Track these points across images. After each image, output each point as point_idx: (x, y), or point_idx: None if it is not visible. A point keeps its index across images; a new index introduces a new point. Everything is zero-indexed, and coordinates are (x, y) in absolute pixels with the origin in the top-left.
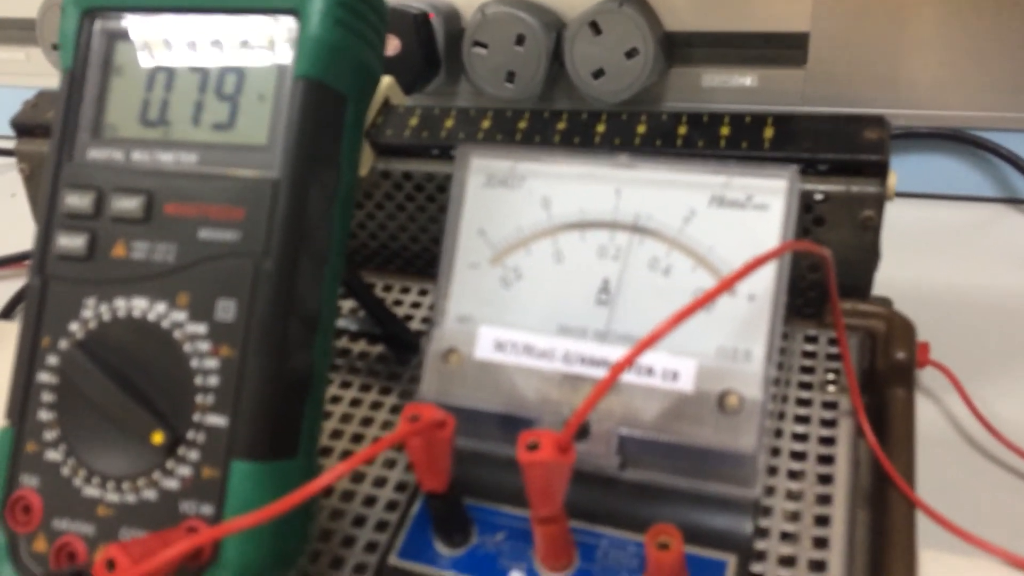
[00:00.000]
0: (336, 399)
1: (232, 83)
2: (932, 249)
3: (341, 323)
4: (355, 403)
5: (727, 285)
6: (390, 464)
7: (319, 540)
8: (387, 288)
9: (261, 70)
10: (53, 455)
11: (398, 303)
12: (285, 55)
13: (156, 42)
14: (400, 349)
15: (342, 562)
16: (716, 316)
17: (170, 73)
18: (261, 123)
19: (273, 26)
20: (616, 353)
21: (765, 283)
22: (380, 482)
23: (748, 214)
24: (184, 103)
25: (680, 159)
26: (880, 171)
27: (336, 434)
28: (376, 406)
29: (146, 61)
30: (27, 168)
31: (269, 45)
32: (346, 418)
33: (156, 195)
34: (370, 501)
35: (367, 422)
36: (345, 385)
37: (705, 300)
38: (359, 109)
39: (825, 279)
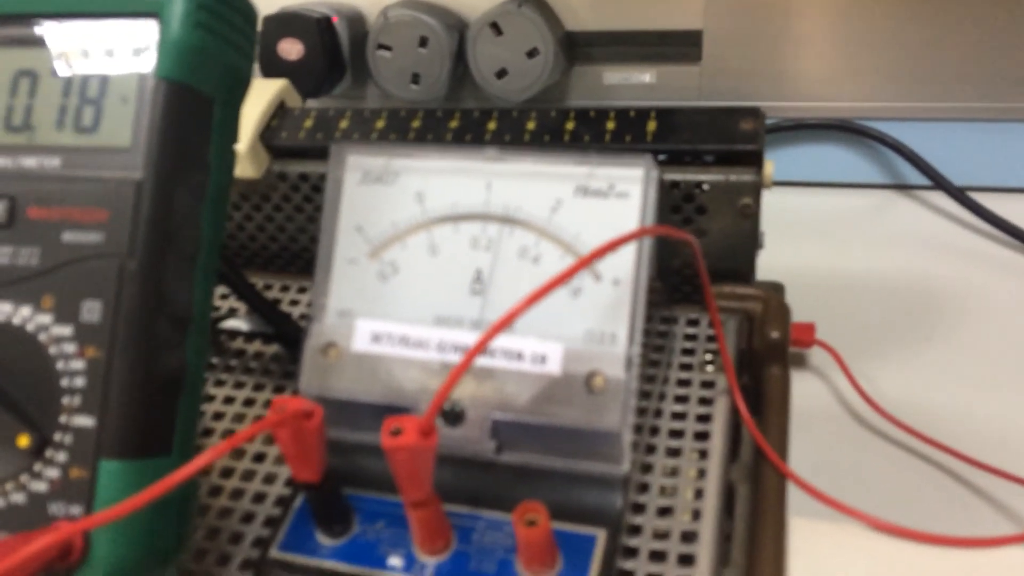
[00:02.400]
0: (229, 400)
1: (96, 87)
2: (824, 235)
3: (235, 324)
4: (248, 403)
5: (582, 265)
6: (280, 461)
7: (206, 539)
8: (284, 288)
9: (124, 73)
10: None
11: (295, 303)
12: (147, 58)
13: (19, 48)
14: (293, 347)
15: (228, 558)
16: (583, 302)
17: (33, 78)
18: (124, 125)
19: (135, 29)
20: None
21: (627, 268)
22: (270, 479)
23: (610, 202)
24: (48, 107)
25: (546, 152)
26: (756, 160)
27: (228, 434)
28: (269, 404)
29: (9, 67)
30: None
31: (131, 48)
32: (239, 417)
33: (18, 199)
34: (259, 498)
35: (259, 420)
36: (239, 386)
37: (561, 279)
38: (227, 111)
39: (700, 265)
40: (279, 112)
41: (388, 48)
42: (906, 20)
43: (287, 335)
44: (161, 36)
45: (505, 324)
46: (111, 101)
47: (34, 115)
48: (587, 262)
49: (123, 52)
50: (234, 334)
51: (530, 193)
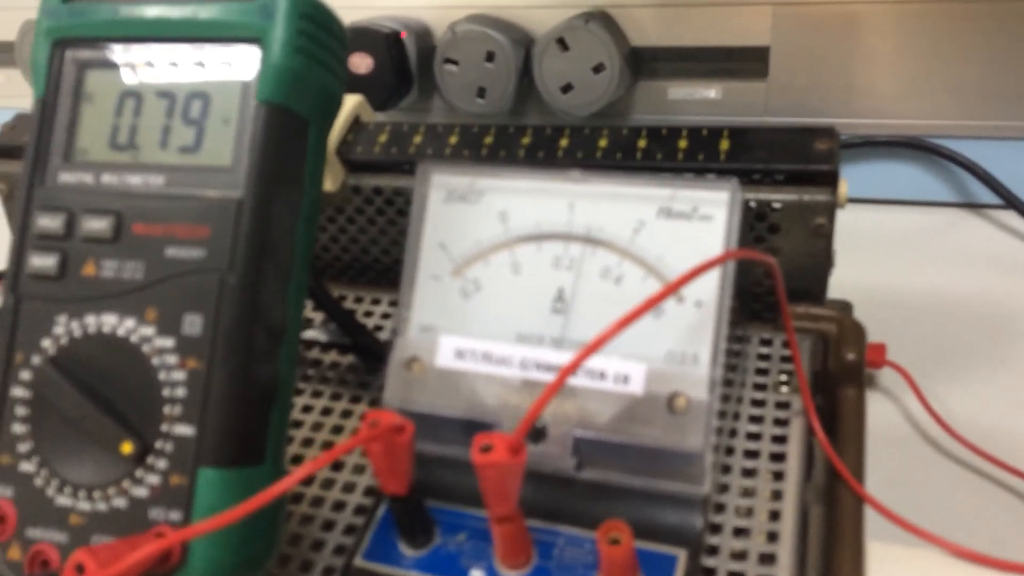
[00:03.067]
0: (308, 408)
1: (198, 108)
2: (893, 253)
3: (312, 335)
4: (326, 412)
5: (671, 290)
6: (359, 470)
7: (289, 545)
8: (359, 300)
9: (226, 95)
10: (27, 466)
11: (369, 314)
12: (249, 81)
13: (125, 70)
14: (369, 359)
15: (311, 565)
16: (665, 322)
17: (139, 99)
18: (226, 146)
19: (237, 53)
20: (570, 358)
21: (710, 290)
22: (349, 487)
23: (694, 225)
24: (152, 128)
25: (629, 173)
26: (831, 180)
27: (307, 442)
28: (346, 415)
29: (116, 88)
30: (6, 188)
31: (233, 72)
32: (317, 427)
33: (124, 216)
34: (339, 506)
35: (337, 430)
36: (316, 395)
37: (649, 305)
38: (321, 131)
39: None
40: (354, 126)
41: (455, 62)
42: (976, 35)
43: (364, 346)
44: (263, 61)
45: (596, 347)
46: (213, 122)
47: (138, 135)
48: (675, 288)
49: (225, 75)
50: (311, 344)
51: (613, 214)
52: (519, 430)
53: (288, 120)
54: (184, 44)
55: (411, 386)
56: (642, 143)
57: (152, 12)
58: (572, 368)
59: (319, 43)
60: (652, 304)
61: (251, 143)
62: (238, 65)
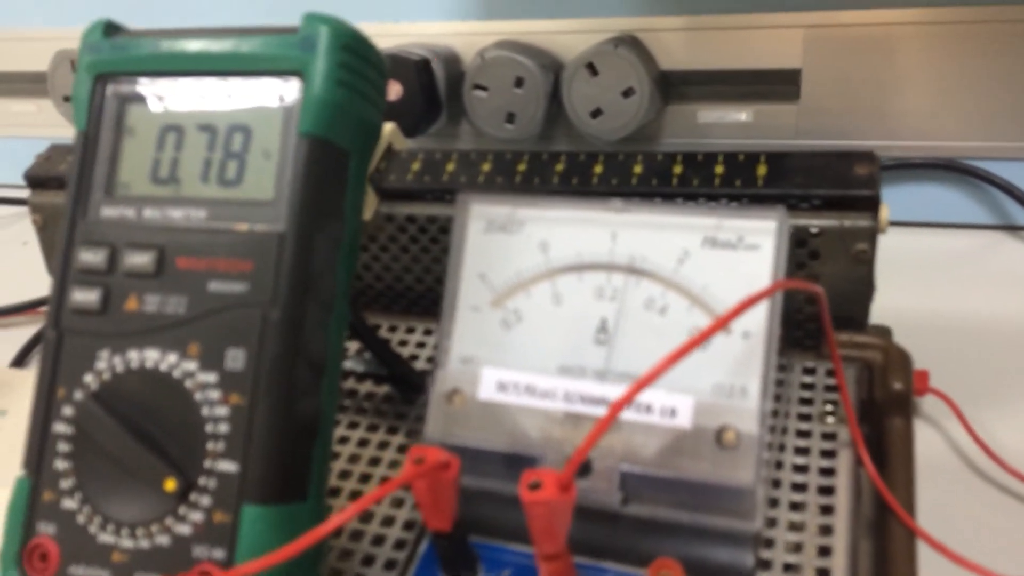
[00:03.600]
0: (344, 439)
1: (239, 141)
2: (931, 277)
3: (348, 364)
4: (363, 443)
5: (721, 324)
6: (398, 503)
7: None
8: (392, 328)
9: (267, 128)
10: (69, 503)
11: (403, 343)
12: (290, 114)
13: (166, 104)
14: (406, 389)
15: None
16: (712, 354)
17: (180, 133)
18: (267, 179)
19: (278, 87)
20: (615, 391)
21: (758, 321)
22: (388, 521)
23: (740, 254)
24: (193, 161)
25: (672, 203)
26: (872, 205)
27: (344, 474)
28: (383, 446)
29: (157, 122)
30: (40, 219)
31: (274, 105)
32: (354, 458)
33: (167, 250)
34: (379, 540)
35: (375, 462)
36: (352, 425)
37: (700, 339)
38: (361, 163)
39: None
40: (387, 154)
41: (484, 88)
42: (1012, 55)
43: (400, 376)
44: (304, 94)
45: (648, 382)
46: (254, 155)
47: (180, 168)
48: (726, 322)
49: (267, 108)
50: (347, 374)
51: (656, 244)
52: (569, 467)
53: (329, 152)
54: (225, 78)
55: (453, 419)
56: (678, 169)
57: (193, 46)
58: (622, 405)
59: (360, 75)
60: (702, 339)
61: (293, 176)
62: (279, 98)
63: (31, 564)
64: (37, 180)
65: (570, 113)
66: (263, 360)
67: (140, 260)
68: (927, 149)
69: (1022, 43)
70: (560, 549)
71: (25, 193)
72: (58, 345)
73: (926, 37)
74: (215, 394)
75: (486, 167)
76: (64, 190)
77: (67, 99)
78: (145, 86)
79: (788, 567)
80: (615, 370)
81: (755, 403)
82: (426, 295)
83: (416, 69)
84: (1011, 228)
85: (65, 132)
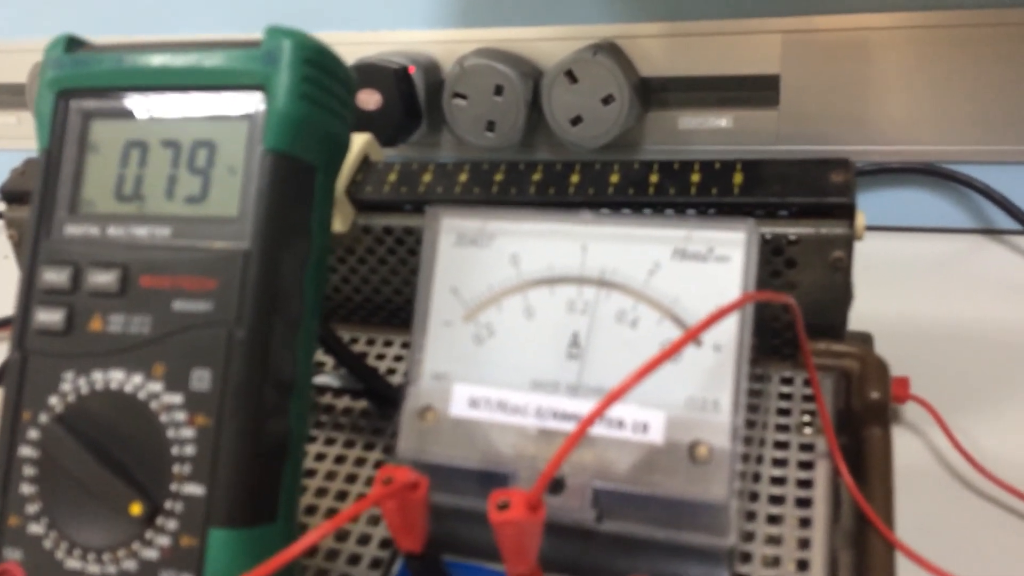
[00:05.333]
0: (321, 456)
1: (203, 157)
2: (912, 281)
3: (323, 380)
4: (339, 460)
5: (690, 337)
6: (374, 521)
7: None
8: (370, 342)
9: (231, 144)
10: (35, 528)
11: (381, 357)
12: (254, 129)
13: (130, 120)
14: (382, 403)
15: None
16: (683, 367)
17: (144, 149)
18: (232, 195)
19: (242, 101)
20: (587, 406)
21: (729, 333)
22: (364, 540)
23: (710, 266)
24: (158, 177)
25: (642, 215)
26: (848, 212)
27: (321, 492)
28: (360, 462)
29: (120, 138)
30: (16, 235)
31: (238, 120)
32: (331, 475)
33: (131, 268)
34: (354, 559)
35: (352, 479)
36: (329, 442)
37: (669, 353)
38: (328, 178)
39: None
40: (363, 166)
41: (464, 96)
42: (990, 60)
43: (376, 391)
44: (267, 108)
45: (615, 398)
46: (219, 171)
47: (144, 185)
48: (694, 334)
49: (230, 124)
50: (323, 389)
51: (626, 256)
52: (537, 486)
53: (294, 168)
54: (189, 92)
55: (425, 436)
56: (654, 178)
57: (156, 61)
58: (591, 420)
59: (324, 89)
60: (672, 352)
61: (257, 192)
62: (243, 113)
63: None
64: (12, 195)
65: (550, 121)
66: (229, 380)
67: (104, 279)
68: (907, 153)
69: (1000, 47)
70: (531, 568)
71: (1, 207)
72: (23, 367)
73: (904, 42)
74: (181, 415)
75: (463, 178)
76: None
77: None
78: (108, 101)
79: None
80: (587, 384)
81: (727, 417)
82: (404, 307)
83: (395, 78)
84: (991, 232)
85: None
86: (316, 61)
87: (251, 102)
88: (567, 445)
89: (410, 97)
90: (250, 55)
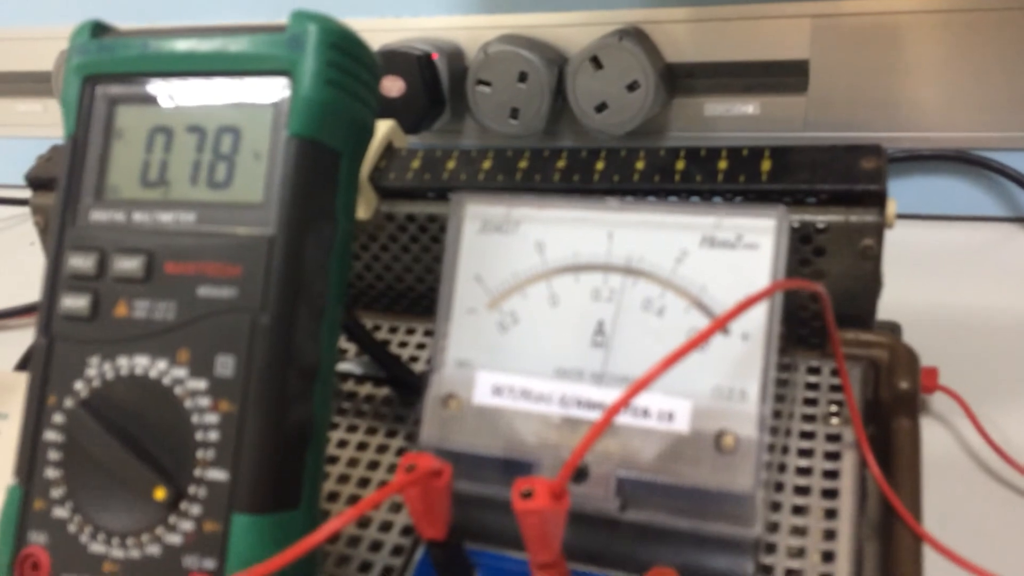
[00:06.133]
0: (343, 443)
1: (229, 142)
2: (941, 270)
3: (347, 367)
4: (362, 447)
5: (719, 325)
6: (396, 508)
7: None
8: (393, 329)
9: (256, 129)
10: (60, 512)
11: (404, 344)
12: (279, 115)
13: (156, 105)
14: (405, 391)
15: None
16: (710, 356)
17: (169, 134)
18: (257, 181)
19: (267, 87)
20: (612, 395)
21: (758, 322)
22: (386, 527)
23: (739, 253)
24: (183, 163)
25: (670, 201)
26: (878, 200)
27: (343, 478)
28: (382, 449)
29: (146, 124)
30: (42, 221)
31: (263, 105)
32: (353, 462)
33: (156, 255)
34: (376, 546)
35: (373, 465)
36: (352, 429)
37: (697, 341)
38: (353, 163)
39: (828, 315)
40: (387, 153)
41: (488, 83)
42: (1021, 44)
43: (399, 378)
44: (293, 94)
45: (642, 387)
46: (244, 157)
47: (169, 171)
48: (722, 323)
49: (255, 109)
50: (346, 376)
51: (653, 243)
52: (562, 475)
53: (319, 153)
54: (214, 78)
55: (448, 424)
56: (680, 165)
57: (182, 46)
58: (617, 409)
59: (350, 74)
60: (699, 341)
61: (282, 178)
62: (268, 98)
63: (22, 573)
64: (38, 181)
65: (575, 108)
66: (253, 366)
67: (129, 265)
68: (938, 140)
69: None
70: (555, 557)
71: (27, 194)
72: (48, 352)
73: (935, 25)
74: (205, 401)
75: (487, 165)
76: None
77: None
78: (134, 87)
79: (791, 573)
80: (613, 373)
81: (754, 406)
82: (427, 295)
83: (419, 65)
84: (1023, 220)
85: None
86: (341, 46)
87: (276, 87)
88: (592, 434)
89: (434, 84)
90: (275, 40)
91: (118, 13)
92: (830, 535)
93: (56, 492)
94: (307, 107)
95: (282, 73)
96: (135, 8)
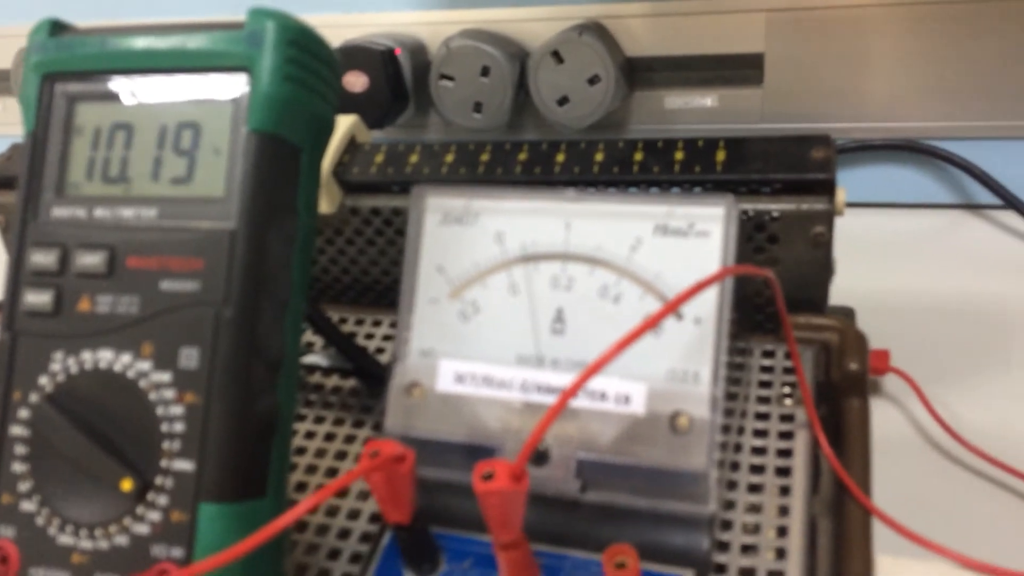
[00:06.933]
0: (310, 434)
1: (189, 138)
2: (893, 256)
3: (313, 359)
4: (329, 437)
5: (670, 309)
6: (364, 496)
7: (295, 575)
8: (359, 322)
9: (216, 125)
10: (28, 505)
11: (370, 336)
12: (239, 110)
13: (115, 102)
14: (371, 382)
15: None
16: (664, 340)
17: (129, 131)
18: (218, 176)
19: (226, 83)
20: (571, 379)
21: (709, 307)
22: (354, 515)
23: (691, 241)
24: (143, 159)
25: (625, 192)
26: (828, 189)
27: (311, 469)
28: (350, 439)
29: (106, 121)
30: (3, 220)
31: (223, 101)
32: (320, 453)
33: (118, 250)
34: (344, 534)
35: (341, 456)
36: (319, 420)
37: (649, 324)
38: (313, 158)
39: (779, 300)
40: (350, 147)
41: (451, 78)
42: (970, 37)
43: (365, 370)
44: (252, 89)
45: (596, 370)
46: (204, 152)
47: (130, 167)
48: (673, 307)
49: (215, 105)
50: (312, 369)
51: (609, 232)
52: (521, 457)
53: (280, 148)
54: (173, 74)
55: (412, 412)
56: (638, 156)
57: (140, 44)
58: (572, 392)
59: (308, 70)
60: (651, 324)
61: (243, 173)
62: (228, 94)
63: None
64: None
65: (537, 101)
66: (217, 358)
67: (91, 260)
68: (889, 130)
69: (980, 24)
70: (516, 537)
71: None
72: (12, 347)
73: (885, 20)
74: (170, 393)
75: (449, 158)
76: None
77: None
78: (93, 84)
79: (746, 548)
80: (571, 359)
81: (707, 388)
82: (392, 288)
83: (382, 59)
84: (971, 207)
85: None
86: (299, 42)
87: (235, 83)
88: (549, 416)
89: (397, 79)
90: (233, 37)
91: (75, 11)
92: (784, 511)
93: (23, 486)
94: (266, 103)
95: (241, 69)
96: (91, 7)
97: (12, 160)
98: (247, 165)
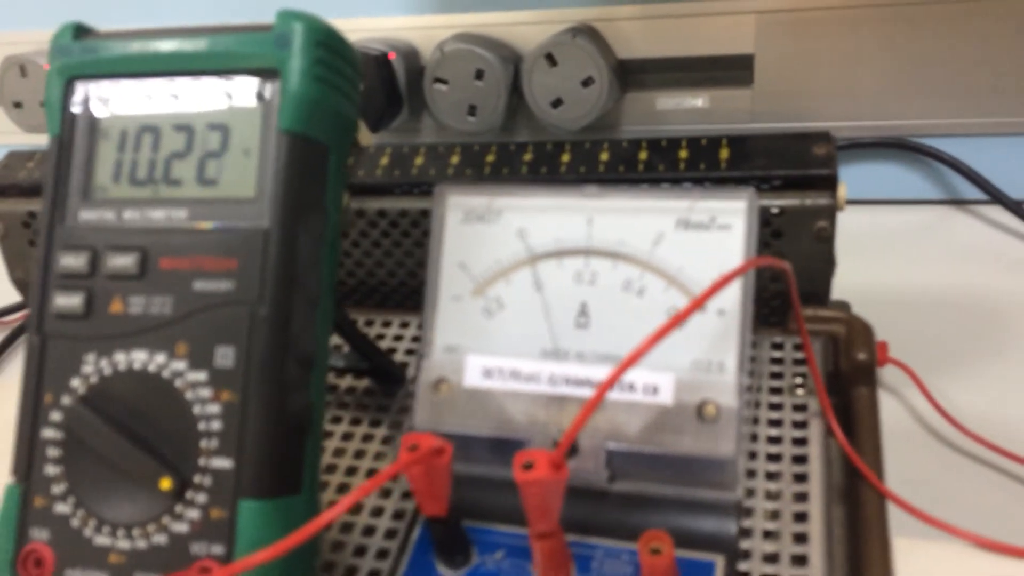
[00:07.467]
0: (328, 434)
1: (217, 140)
2: (885, 252)
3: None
4: (347, 437)
5: (699, 303)
6: (386, 494)
7: (324, 572)
8: (369, 322)
9: (246, 127)
10: (62, 508)
11: (381, 336)
12: (268, 112)
13: (141, 105)
14: (386, 381)
15: None
16: (689, 332)
17: (156, 134)
18: (248, 176)
19: (254, 85)
20: (597, 372)
21: (733, 298)
22: (377, 512)
23: (713, 234)
24: (171, 161)
25: (646, 187)
26: (830, 184)
27: (331, 468)
28: (367, 438)
29: (132, 124)
30: (1, 228)
31: (252, 103)
32: (339, 452)
33: (150, 251)
34: (369, 531)
35: (360, 454)
36: (336, 420)
37: (679, 319)
38: (340, 157)
39: (786, 289)
40: (354, 150)
41: (444, 82)
42: (957, 36)
43: (380, 369)
44: (282, 90)
45: (632, 361)
46: (233, 154)
47: (157, 169)
48: (702, 301)
49: (244, 107)
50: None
51: (631, 227)
52: (561, 446)
53: (310, 148)
54: (200, 77)
55: (440, 407)
56: (643, 155)
57: (166, 47)
58: (609, 384)
59: (335, 70)
60: (682, 318)
61: (275, 173)
62: (257, 96)
63: (26, 570)
64: None
65: (531, 104)
66: (253, 357)
67: (123, 262)
68: (877, 128)
69: (964, 23)
70: (553, 527)
71: None
72: (42, 350)
73: (873, 20)
74: (206, 392)
75: (455, 160)
76: (26, 197)
77: (17, 105)
78: (118, 87)
79: (768, 534)
80: (596, 352)
81: (733, 377)
82: (399, 288)
83: (376, 64)
84: (958, 202)
85: (18, 139)
86: (327, 43)
87: (264, 85)
88: (587, 408)
89: (391, 84)
90: (261, 39)
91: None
92: (801, 497)
93: (57, 488)
94: (297, 103)
95: (270, 71)
96: (83, 12)
97: (9, 168)
98: (279, 165)
